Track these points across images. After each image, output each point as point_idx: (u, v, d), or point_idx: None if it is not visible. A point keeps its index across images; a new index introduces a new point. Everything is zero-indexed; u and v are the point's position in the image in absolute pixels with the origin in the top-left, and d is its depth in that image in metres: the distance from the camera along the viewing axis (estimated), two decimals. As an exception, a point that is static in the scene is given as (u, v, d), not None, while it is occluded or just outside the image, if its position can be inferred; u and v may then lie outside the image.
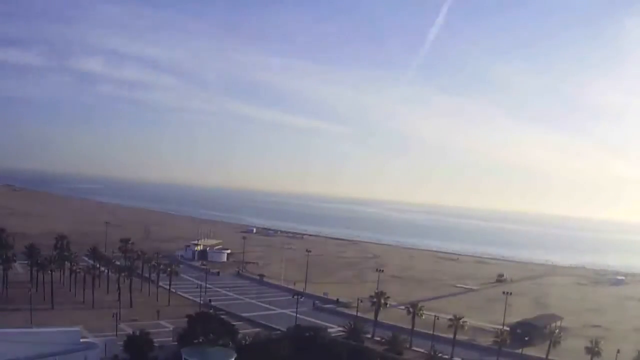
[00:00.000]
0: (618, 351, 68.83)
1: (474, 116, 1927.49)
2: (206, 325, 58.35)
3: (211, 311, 79.36)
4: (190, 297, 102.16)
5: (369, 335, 79.32)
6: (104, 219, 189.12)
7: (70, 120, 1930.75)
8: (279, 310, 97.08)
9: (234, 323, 66.61)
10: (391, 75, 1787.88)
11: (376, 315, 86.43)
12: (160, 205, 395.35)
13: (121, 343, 62.60)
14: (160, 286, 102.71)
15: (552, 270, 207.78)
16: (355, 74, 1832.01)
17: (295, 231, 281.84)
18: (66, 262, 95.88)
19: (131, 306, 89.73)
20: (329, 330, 78.64)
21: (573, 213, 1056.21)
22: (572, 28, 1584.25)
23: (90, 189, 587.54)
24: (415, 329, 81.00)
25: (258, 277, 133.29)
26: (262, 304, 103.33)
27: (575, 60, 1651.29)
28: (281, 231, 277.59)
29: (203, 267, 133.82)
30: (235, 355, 54.82)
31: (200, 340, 56.54)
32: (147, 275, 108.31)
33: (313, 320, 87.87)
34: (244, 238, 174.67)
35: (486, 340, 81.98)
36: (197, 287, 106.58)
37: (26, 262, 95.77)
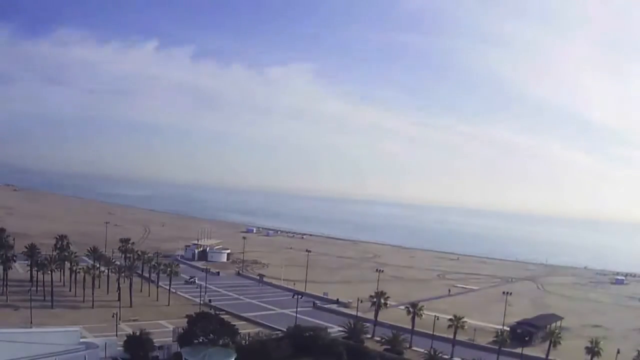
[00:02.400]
0: (618, 351, 68.80)
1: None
2: (206, 325, 58.12)
3: (211, 311, 79.21)
4: (190, 297, 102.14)
5: (369, 335, 79.41)
6: (104, 219, 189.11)
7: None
8: (279, 310, 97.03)
9: (234, 323, 66.38)
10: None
11: (376, 315, 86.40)
12: (161, 206, 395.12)
13: (121, 343, 62.63)
14: (160, 286, 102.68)
15: (553, 270, 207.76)
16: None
17: (295, 231, 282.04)
18: (66, 262, 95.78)
19: (131, 306, 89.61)
20: (329, 330, 78.58)
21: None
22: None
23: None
24: (415, 329, 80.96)
25: (258, 277, 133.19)
26: (262, 304, 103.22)
27: None
28: (281, 231, 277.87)
29: (203, 267, 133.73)
30: (235, 355, 54.87)
31: (200, 340, 56.42)
32: (147, 275, 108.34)
33: (313, 320, 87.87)
34: (244, 238, 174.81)
35: (486, 340, 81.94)
36: (197, 287, 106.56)
37: (26, 262, 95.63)
